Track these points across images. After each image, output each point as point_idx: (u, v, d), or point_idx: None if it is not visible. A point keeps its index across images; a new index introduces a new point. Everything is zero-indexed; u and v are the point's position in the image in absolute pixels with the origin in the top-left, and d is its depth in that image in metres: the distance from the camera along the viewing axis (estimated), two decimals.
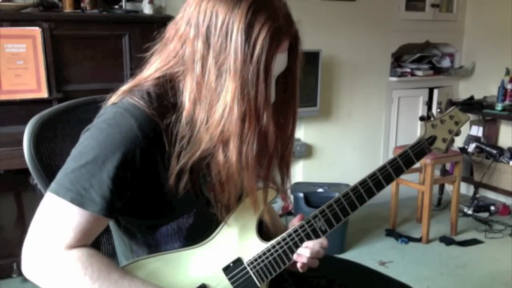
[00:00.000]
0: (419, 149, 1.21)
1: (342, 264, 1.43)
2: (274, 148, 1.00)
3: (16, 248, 2.64)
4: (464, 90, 4.22)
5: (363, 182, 1.15)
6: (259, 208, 1.09)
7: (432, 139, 1.24)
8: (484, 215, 3.66)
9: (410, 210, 3.67)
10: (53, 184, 0.93)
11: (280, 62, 0.99)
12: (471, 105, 3.77)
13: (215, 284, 1.05)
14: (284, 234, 1.10)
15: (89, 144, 0.93)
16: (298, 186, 3.17)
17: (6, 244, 2.62)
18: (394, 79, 3.90)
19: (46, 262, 0.90)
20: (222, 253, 1.06)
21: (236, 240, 1.07)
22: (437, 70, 4.12)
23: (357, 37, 3.70)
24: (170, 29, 1.02)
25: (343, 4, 3.59)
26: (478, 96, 3.89)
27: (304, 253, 1.08)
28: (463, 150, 3.75)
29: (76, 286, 0.89)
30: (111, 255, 1.23)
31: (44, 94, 2.49)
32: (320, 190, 3.08)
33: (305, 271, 1.11)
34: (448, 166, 3.79)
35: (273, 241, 1.09)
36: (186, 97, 0.96)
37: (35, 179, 1.15)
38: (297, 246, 1.10)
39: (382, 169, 1.17)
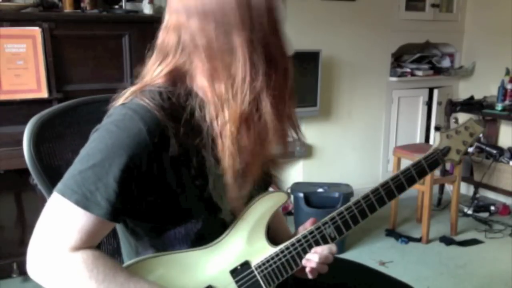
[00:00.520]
0: (433, 160, 1.21)
1: (343, 264, 1.43)
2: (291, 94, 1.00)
3: (16, 248, 2.67)
4: (464, 90, 4.22)
5: (375, 191, 1.14)
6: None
7: (446, 150, 1.24)
8: (484, 215, 3.66)
9: (410, 210, 3.67)
10: (59, 185, 0.92)
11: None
12: (471, 105, 3.77)
13: (222, 286, 1.04)
14: (293, 239, 1.09)
15: (97, 146, 0.93)
16: (298, 186, 3.17)
17: (6, 244, 2.62)
18: (394, 79, 3.90)
19: (51, 264, 0.90)
20: (230, 256, 1.06)
21: (245, 243, 1.07)
22: (437, 70, 4.12)
23: (357, 37, 3.70)
24: (161, 32, 1.01)
25: (343, 4, 3.59)
26: (478, 96, 3.89)
27: (313, 258, 1.08)
28: (466, 152, 3.74)
29: None
30: (111, 255, 1.23)
31: (44, 94, 2.49)
32: (320, 190, 3.08)
33: (314, 277, 1.10)
34: (448, 166, 3.78)
35: (282, 246, 1.08)
36: (201, 79, 0.96)
37: (35, 179, 1.15)
38: (305, 252, 1.09)
39: (395, 178, 1.16)
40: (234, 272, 1.05)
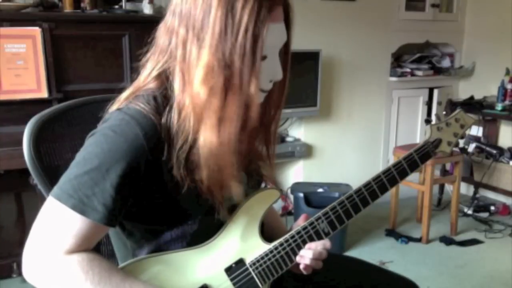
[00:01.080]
0: (424, 152, 1.21)
1: (344, 261, 1.43)
2: (257, 122, 0.99)
3: (16, 248, 2.67)
4: (464, 90, 4.21)
5: (367, 185, 1.14)
6: (243, 197, 1.08)
7: (437, 142, 1.23)
8: (484, 215, 3.66)
9: (410, 210, 3.67)
10: (55, 189, 0.92)
11: (277, 34, 0.97)
12: (471, 105, 3.77)
13: (217, 284, 1.04)
14: (286, 236, 1.09)
15: (93, 151, 0.92)
16: (298, 186, 3.17)
17: (6, 244, 2.62)
18: (394, 79, 3.90)
19: (46, 267, 0.90)
20: (225, 254, 1.06)
21: (239, 241, 1.07)
22: (437, 70, 4.12)
23: (357, 37, 3.70)
24: (160, 27, 1.01)
25: (343, 4, 3.59)
26: (478, 96, 3.89)
27: (306, 255, 1.08)
28: (463, 150, 3.75)
29: None
30: (111, 255, 1.23)
31: (44, 94, 2.49)
32: (320, 190, 3.08)
33: (309, 273, 1.11)
34: (448, 166, 3.78)
35: (275, 242, 1.09)
36: (176, 88, 0.95)
37: (35, 179, 1.15)
38: (299, 248, 1.09)
39: (387, 171, 1.16)
40: (229, 270, 1.06)
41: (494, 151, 3.63)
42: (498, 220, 3.60)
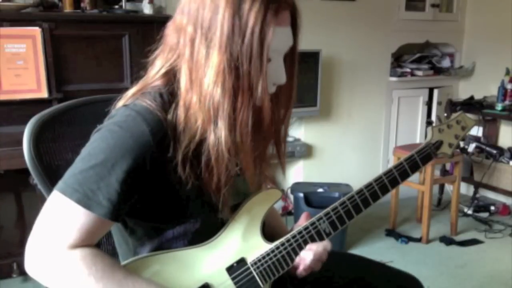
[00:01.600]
0: (425, 154, 1.21)
1: (343, 257, 1.43)
2: (270, 124, 1.00)
3: (16, 248, 2.67)
4: (464, 90, 4.22)
5: (368, 186, 1.14)
6: (260, 192, 1.08)
7: (439, 144, 1.24)
8: (484, 215, 3.66)
9: (410, 210, 3.67)
10: (60, 183, 0.92)
11: (282, 38, 0.97)
12: (471, 105, 3.77)
13: (218, 283, 1.04)
14: (288, 235, 1.10)
15: (99, 146, 0.93)
16: (298, 186, 3.17)
17: (6, 244, 2.62)
18: (394, 79, 3.90)
19: (49, 261, 0.90)
20: (226, 253, 1.06)
21: (240, 240, 1.07)
22: (437, 70, 4.12)
23: (357, 37, 3.70)
24: (168, 25, 1.02)
25: (343, 4, 3.59)
26: (478, 96, 3.89)
27: (307, 256, 1.08)
28: (463, 150, 3.75)
29: (80, 285, 0.89)
30: (112, 255, 1.23)
31: (44, 94, 2.49)
32: (320, 190, 3.08)
33: (307, 274, 1.11)
34: (448, 166, 3.79)
35: (277, 242, 1.09)
36: (182, 86, 0.96)
37: (35, 179, 1.15)
38: (301, 248, 1.09)
39: (388, 173, 1.16)
40: (230, 269, 1.06)
41: (494, 151, 3.63)
42: (498, 220, 3.60)
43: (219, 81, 0.91)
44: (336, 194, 2.99)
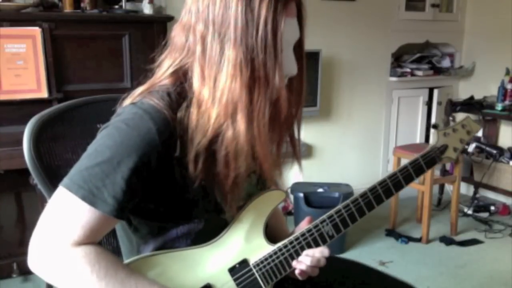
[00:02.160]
0: (430, 158, 1.21)
1: (343, 264, 1.43)
2: (286, 115, 1.00)
3: (16, 248, 2.67)
4: (464, 90, 4.22)
5: (372, 189, 1.14)
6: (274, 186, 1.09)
7: (444, 148, 1.24)
8: (484, 215, 3.66)
9: (410, 210, 3.67)
10: (66, 179, 0.92)
11: (291, 29, 0.99)
12: (471, 105, 3.77)
13: (220, 284, 1.04)
14: (291, 238, 1.09)
15: (106, 143, 0.93)
16: (298, 186, 3.17)
17: (6, 244, 2.62)
18: (394, 79, 3.90)
19: (53, 257, 0.90)
20: (229, 254, 1.06)
21: (243, 241, 1.07)
22: (437, 70, 4.12)
23: (357, 37, 3.70)
24: (175, 27, 1.02)
25: (343, 4, 3.59)
26: (478, 96, 3.89)
27: (304, 261, 1.08)
28: (463, 150, 3.75)
29: (83, 283, 0.89)
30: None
31: (44, 94, 2.49)
32: (320, 190, 3.08)
33: (304, 279, 1.10)
34: (448, 166, 3.78)
35: (280, 244, 1.09)
36: (194, 83, 0.96)
37: (35, 179, 1.15)
38: (303, 250, 1.09)
39: (392, 176, 1.16)
40: (232, 270, 1.06)
41: (494, 151, 3.63)
42: (498, 220, 3.60)
43: (237, 75, 0.92)
44: (336, 194, 2.99)
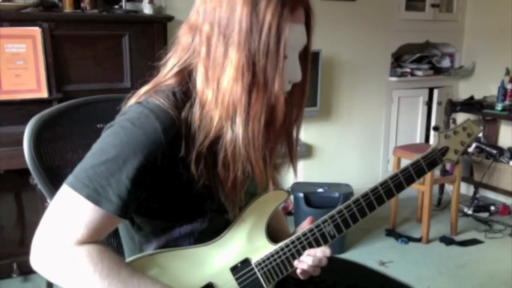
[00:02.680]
0: (431, 160, 1.21)
1: (343, 264, 1.43)
2: (282, 123, 1.00)
3: (16, 248, 2.67)
4: (464, 90, 4.22)
5: (374, 189, 1.15)
6: (267, 191, 1.09)
7: (445, 150, 1.24)
8: (484, 215, 3.66)
9: (410, 210, 3.67)
10: (70, 177, 0.92)
11: (298, 35, 0.98)
12: (471, 105, 3.77)
13: (222, 283, 1.04)
14: (293, 237, 1.09)
15: (111, 142, 0.93)
16: (298, 186, 3.17)
17: (6, 244, 2.62)
18: (394, 79, 3.90)
19: (55, 256, 0.90)
20: (231, 253, 1.06)
21: (245, 241, 1.07)
22: (437, 70, 4.12)
23: (357, 37, 3.70)
24: (182, 27, 1.02)
25: (343, 4, 3.59)
26: (478, 96, 3.89)
27: (306, 261, 1.08)
28: (464, 152, 3.74)
29: (86, 282, 0.89)
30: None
31: (44, 94, 2.49)
32: (320, 190, 3.08)
33: (305, 278, 1.11)
34: (448, 166, 3.79)
35: (281, 243, 1.09)
36: (198, 84, 0.97)
37: (35, 179, 1.15)
38: (305, 250, 1.09)
39: (394, 177, 1.16)
40: (234, 270, 1.06)
41: (494, 151, 3.63)
42: (498, 220, 3.60)
43: (239, 78, 0.92)
44: (336, 194, 2.99)
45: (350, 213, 1.12)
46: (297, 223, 3.08)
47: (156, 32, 2.74)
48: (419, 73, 3.98)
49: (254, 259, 1.07)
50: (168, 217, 1.03)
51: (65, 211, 0.91)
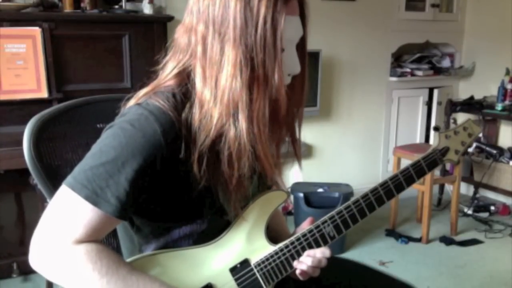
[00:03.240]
0: (432, 160, 1.21)
1: (343, 264, 1.43)
2: (285, 115, 1.00)
3: (16, 248, 2.67)
4: (464, 90, 4.22)
5: (374, 190, 1.14)
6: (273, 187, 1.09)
7: (445, 150, 1.24)
8: (484, 215, 3.66)
9: (410, 210, 3.67)
10: (69, 178, 0.92)
11: (293, 27, 0.98)
12: (471, 105, 3.77)
13: (222, 284, 1.04)
14: (292, 238, 1.09)
15: (111, 143, 0.93)
16: (298, 186, 3.17)
17: (6, 244, 2.62)
18: (394, 79, 3.90)
19: (54, 255, 0.90)
20: (230, 254, 1.06)
21: (245, 241, 1.07)
22: (437, 70, 4.12)
23: (357, 37, 3.70)
24: (178, 29, 1.02)
25: (343, 4, 3.59)
26: (478, 96, 3.89)
27: (305, 261, 1.08)
28: (464, 152, 3.74)
29: (85, 280, 0.89)
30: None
31: (44, 94, 2.49)
32: (320, 190, 3.08)
33: (305, 279, 1.10)
34: (448, 166, 3.79)
35: (281, 244, 1.09)
36: (197, 84, 0.96)
37: (35, 179, 1.15)
38: (304, 251, 1.09)
39: (394, 178, 1.16)
40: (233, 270, 1.06)
41: (494, 151, 3.63)
42: (498, 220, 3.60)
43: (237, 74, 0.92)
44: (336, 194, 2.99)
45: (350, 214, 1.12)
46: (297, 223, 3.08)
47: (156, 32, 2.74)
48: (419, 73, 3.98)
49: (254, 260, 1.07)
50: (168, 218, 1.03)
51: (64, 211, 0.91)
